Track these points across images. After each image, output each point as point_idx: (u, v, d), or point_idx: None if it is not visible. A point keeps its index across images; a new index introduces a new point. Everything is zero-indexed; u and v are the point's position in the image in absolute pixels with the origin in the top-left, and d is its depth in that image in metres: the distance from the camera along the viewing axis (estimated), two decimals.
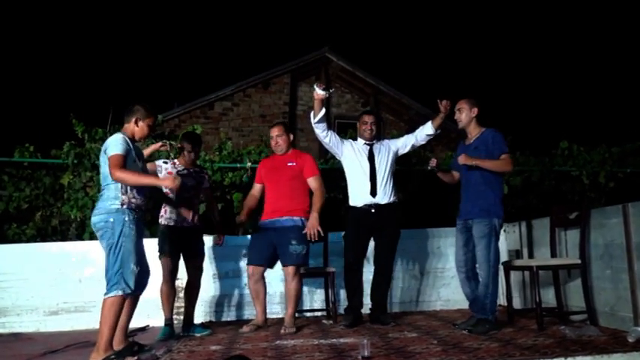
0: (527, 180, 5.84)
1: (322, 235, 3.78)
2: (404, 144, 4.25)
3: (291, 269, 3.81)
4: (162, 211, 3.96)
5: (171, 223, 3.90)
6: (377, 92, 10.41)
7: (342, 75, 10.48)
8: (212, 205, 4.25)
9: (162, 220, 3.94)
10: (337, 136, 4.23)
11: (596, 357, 2.62)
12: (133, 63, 18.80)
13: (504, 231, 5.03)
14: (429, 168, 3.87)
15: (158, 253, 3.86)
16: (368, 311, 4.17)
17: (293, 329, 3.76)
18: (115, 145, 3.04)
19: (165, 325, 3.87)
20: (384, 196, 4.03)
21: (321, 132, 4.07)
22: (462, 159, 3.61)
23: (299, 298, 3.83)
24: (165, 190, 3.80)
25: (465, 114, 3.72)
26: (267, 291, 4.06)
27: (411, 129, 4.92)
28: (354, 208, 4.08)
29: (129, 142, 3.12)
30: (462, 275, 3.71)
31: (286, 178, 3.98)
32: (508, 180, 5.80)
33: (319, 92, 3.82)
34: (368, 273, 4.23)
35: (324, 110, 3.98)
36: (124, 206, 3.02)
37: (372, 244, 4.21)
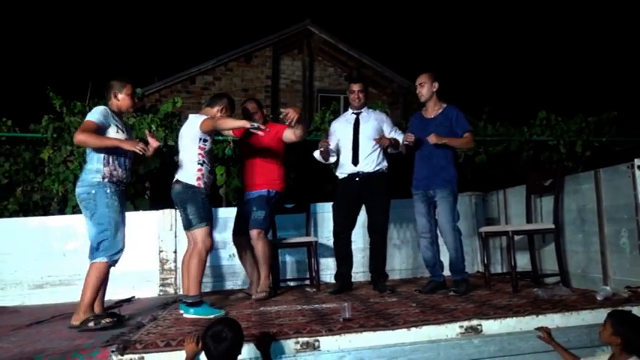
0: (506, 149, 5.95)
1: (298, 117, 3.62)
2: (388, 133, 4.17)
3: (254, 232, 3.86)
4: (199, 173, 3.41)
5: (208, 189, 3.52)
6: (360, 65, 10.34)
7: (324, 48, 10.38)
8: None
9: (201, 184, 3.42)
10: (333, 143, 4.17)
11: (565, 314, 2.76)
12: (112, 36, 18.36)
13: (483, 200, 5.16)
14: (406, 142, 3.83)
15: (197, 222, 3.36)
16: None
17: (263, 294, 3.82)
18: (92, 113, 3.14)
19: (204, 302, 3.36)
20: (368, 164, 4.04)
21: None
22: (432, 139, 3.65)
23: (268, 259, 3.90)
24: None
25: (426, 88, 3.79)
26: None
27: (393, 102, 4.96)
28: (340, 179, 4.16)
29: (110, 114, 3.20)
30: (427, 241, 3.82)
31: (255, 150, 3.99)
32: (487, 150, 5.91)
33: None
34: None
35: (334, 158, 4.16)
36: (105, 179, 3.10)
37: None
